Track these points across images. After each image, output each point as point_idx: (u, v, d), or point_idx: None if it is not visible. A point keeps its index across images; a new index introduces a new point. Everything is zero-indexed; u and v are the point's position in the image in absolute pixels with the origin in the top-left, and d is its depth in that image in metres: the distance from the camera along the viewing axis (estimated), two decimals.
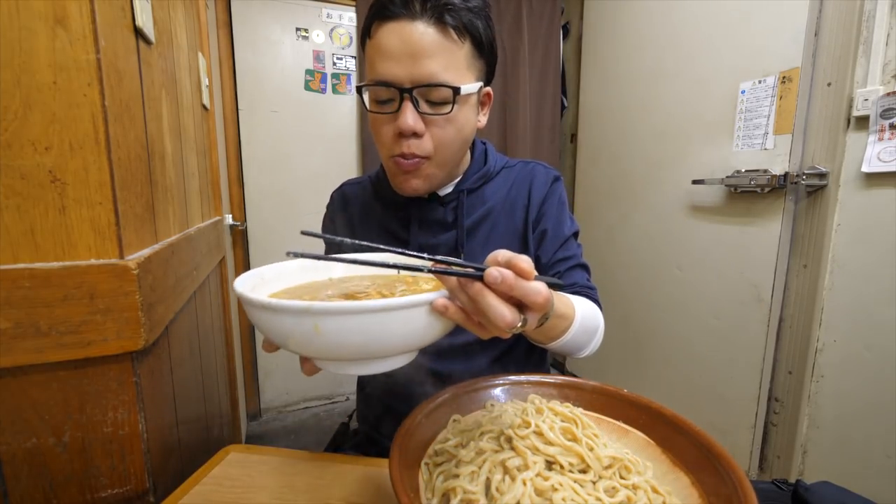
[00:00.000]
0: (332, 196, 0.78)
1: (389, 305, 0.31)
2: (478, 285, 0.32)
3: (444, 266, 0.34)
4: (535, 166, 0.72)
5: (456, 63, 0.55)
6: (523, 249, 0.69)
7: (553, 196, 0.70)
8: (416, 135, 0.56)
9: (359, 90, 0.58)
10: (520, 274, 0.33)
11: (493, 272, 0.32)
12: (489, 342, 0.67)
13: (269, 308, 0.33)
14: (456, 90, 0.55)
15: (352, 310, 0.31)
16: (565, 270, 0.68)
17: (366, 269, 0.52)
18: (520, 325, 0.34)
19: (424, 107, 0.56)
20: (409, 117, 0.55)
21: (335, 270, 0.53)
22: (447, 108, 0.56)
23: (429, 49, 0.53)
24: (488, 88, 0.64)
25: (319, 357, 0.38)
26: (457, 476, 0.34)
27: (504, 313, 0.32)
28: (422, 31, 0.53)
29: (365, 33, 0.58)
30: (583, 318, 0.55)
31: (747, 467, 1.36)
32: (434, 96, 0.56)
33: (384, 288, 0.46)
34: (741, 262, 1.35)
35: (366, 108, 0.59)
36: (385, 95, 0.56)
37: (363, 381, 0.79)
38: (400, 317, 0.32)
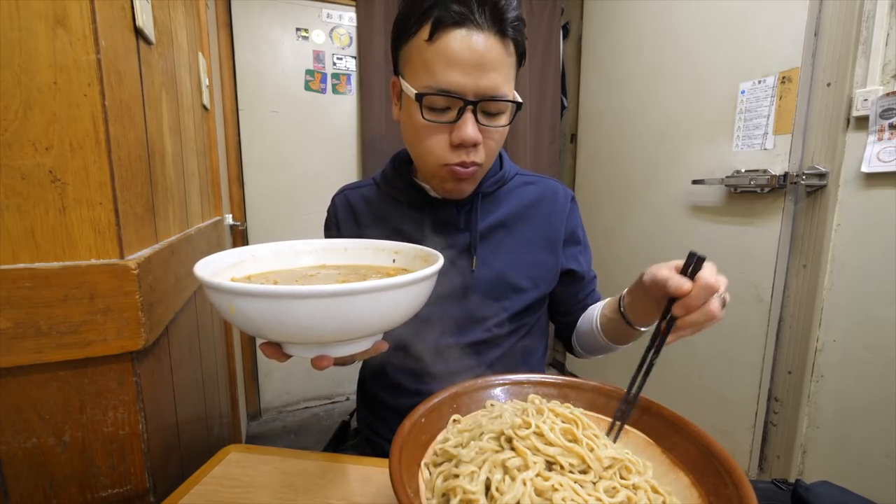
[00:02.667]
0: (333, 200, 0.76)
1: (296, 293, 0.32)
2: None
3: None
4: (555, 184, 0.75)
5: (510, 76, 0.57)
6: (546, 259, 0.70)
7: (576, 215, 0.75)
8: (475, 145, 0.57)
9: (419, 97, 0.55)
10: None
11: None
12: (486, 345, 0.68)
13: (200, 281, 0.36)
14: (518, 105, 0.57)
15: (262, 293, 0.33)
16: (596, 287, 0.78)
17: (351, 257, 0.54)
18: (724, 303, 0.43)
19: (481, 118, 0.56)
20: (472, 129, 0.55)
21: (323, 258, 0.54)
22: (503, 120, 0.58)
23: (494, 62, 0.53)
24: None
25: (251, 334, 0.40)
26: (456, 476, 0.34)
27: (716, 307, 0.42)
28: (491, 43, 0.52)
29: (414, 30, 0.55)
30: None
31: (747, 467, 1.36)
32: (493, 108, 0.56)
33: (356, 280, 0.47)
34: (741, 262, 1.35)
35: (422, 116, 0.56)
36: (442, 104, 0.55)
37: (362, 380, 0.79)
38: (309, 305, 0.33)
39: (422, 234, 0.67)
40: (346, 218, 0.73)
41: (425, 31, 0.53)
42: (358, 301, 0.34)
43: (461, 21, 0.52)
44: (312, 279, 0.47)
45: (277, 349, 0.41)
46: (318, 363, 0.40)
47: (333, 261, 0.54)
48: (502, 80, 0.55)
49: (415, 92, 0.55)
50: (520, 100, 0.58)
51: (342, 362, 0.44)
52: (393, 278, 0.36)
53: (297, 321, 0.34)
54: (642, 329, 0.59)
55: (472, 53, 0.52)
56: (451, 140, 0.56)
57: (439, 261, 0.43)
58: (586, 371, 2.10)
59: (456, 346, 0.67)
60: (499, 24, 0.53)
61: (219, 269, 0.43)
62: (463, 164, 0.58)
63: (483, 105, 0.55)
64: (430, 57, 0.53)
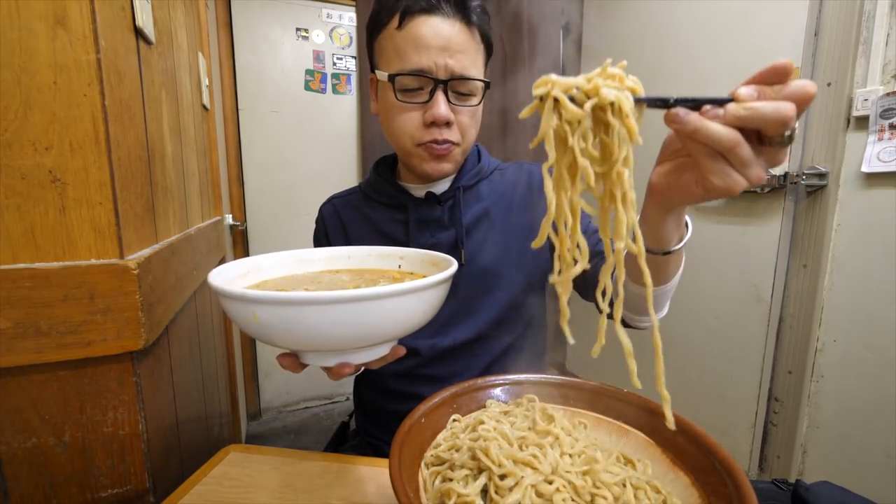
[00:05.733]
0: (320, 210, 0.77)
1: (322, 298, 0.32)
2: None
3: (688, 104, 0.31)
4: (530, 165, 0.74)
5: (478, 60, 0.61)
6: (531, 243, 0.68)
7: None
8: (447, 124, 0.60)
9: (391, 78, 0.58)
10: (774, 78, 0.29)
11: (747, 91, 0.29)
12: (478, 343, 0.67)
13: (218, 293, 0.35)
14: (487, 84, 0.61)
15: (285, 300, 0.32)
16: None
17: (356, 264, 0.53)
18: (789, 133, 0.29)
19: (452, 98, 0.59)
20: (443, 107, 0.58)
21: (326, 266, 0.54)
22: (473, 101, 0.61)
23: (461, 46, 0.57)
24: None
25: (272, 344, 0.39)
26: (451, 479, 0.34)
27: (786, 108, 0.27)
28: (457, 29, 0.57)
29: (386, 21, 0.59)
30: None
31: (747, 467, 1.36)
32: (463, 88, 0.59)
33: (365, 283, 0.47)
34: (741, 262, 1.35)
35: (395, 97, 0.59)
36: (414, 85, 0.58)
37: (358, 386, 0.78)
38: (335, 311, 0.33)
39: (406, 234, 0.67)
40: (334, 226, 0.74)
41: (395, 21, 0.58)
42: (385, 304, 0.34)
43: (428, 9, 0.56)
44: (321, 285, 0.46)
45: (294, 360, 0.41)
46: (340, 371, 0.40)
47: (338, 267, 0.54)
48: (470, 62, 0.59)
49: (387, 74, 0.58)
50: (488, 80, 0.61)
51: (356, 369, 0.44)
52: (419, 280, 0.35)
53: (323, 327, 0.33)
54: (663, 252, 0.45)
55: (440, 37, 0.56)
56: (425, 119, 0.59)
57: (454, 264, 0.43)
58: (586, 371, 2.10)
59: (448, 346, 0.67)
60: (463, 12, 0.58)
61: (227, 280, 0.42)
62: (436, 141, 0.60)
63: (454, 84, 0.58)
64: (401, 43, 0.58)
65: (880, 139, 1.01)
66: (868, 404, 1.07)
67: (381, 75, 0.60)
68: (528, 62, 2.14)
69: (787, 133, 0.29)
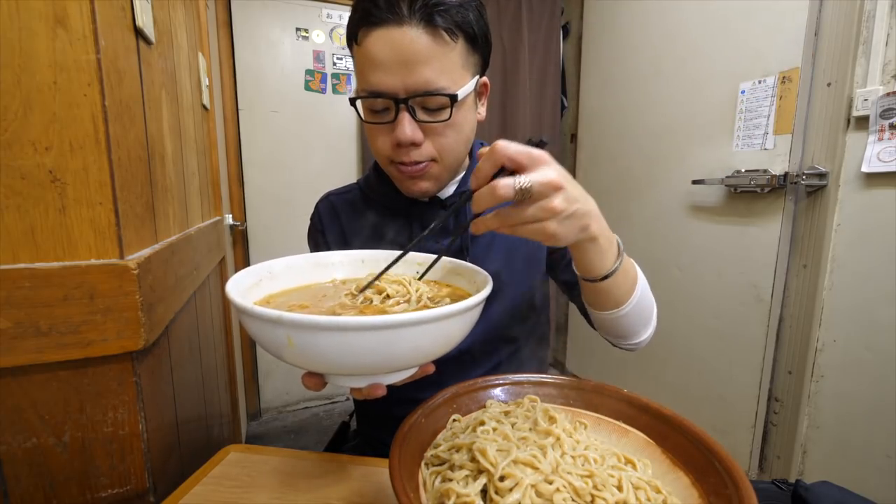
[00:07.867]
0: (316, 207, 0.74)
1: (366, 324, 0.30)
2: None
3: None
4: None
5: (450, 65, 0.53)
6: (535, 246, 0.67)
7: None
8: (414, 144, 0.55)
9: (352, 102, 0.56)
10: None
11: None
12: (485, 352, 0.66)
13: (246, 313, 0.33)
14: (453, 97, 0.53)
15: (326, 325, 0.30)
16: None
17: (365, 271, 0.53)
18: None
19: (422, 114, 0.54)
20: (407, 128, 0.53)
21: (339, 271, 0.53)
22: (445, 115, 0.54)
23: (421, 56, 0.50)
24: (485, 79, 0.62)
25: (304, 368, 0.37)
26: (451, 479, 0.34)
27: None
28: (412, 38, 0.50)
29: (351, 38, 0.55)
30: (643, 282, 0.56)
31: (747, 467, 1.36)
32: (431, 103, 0.54)
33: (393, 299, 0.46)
34: (741, 262, 1.35)
35: (360, 118, 0.57)
36: (380, 105, 0.54)
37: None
38: (378, 336, 0.31)
39: (410, 240, 0.65)
40: (330, 224, 0.72)
41: (357, 37, 0.54)
42: (429, 328, 0.33)
43: (380, 21, 0.50)
44: (344, 302, 0.45)
45: (320, 380, 0.40)
46: (371, 392, 0.39)
47: (354, 274, 0.53)
48: (434, 73, 0.51)
49: (349, 97, 0.55)
50: (456, 92, 0.53)
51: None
52: (464, 302, 0.35)
53: (363, 351, 0.32)
54: (592, 280, 0.50)
55: (394, 51, 0.50)
56: (392, 140, 0.55)
57: (489, 280, 0.43)
58: (586, 371, 2.10)
59: (453, 355, 0.65)
60: (420, 14, 0.50)
61: (241, 292, 0.41)
62: (403, 163, 0.57)
63: (420, 101, 0.53)
64: (361, 60, 0.54)
65: (880, 139, 1.01)
66: (868, 404, 1.07)
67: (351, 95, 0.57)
68: (528, 62, 2.14)
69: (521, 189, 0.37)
